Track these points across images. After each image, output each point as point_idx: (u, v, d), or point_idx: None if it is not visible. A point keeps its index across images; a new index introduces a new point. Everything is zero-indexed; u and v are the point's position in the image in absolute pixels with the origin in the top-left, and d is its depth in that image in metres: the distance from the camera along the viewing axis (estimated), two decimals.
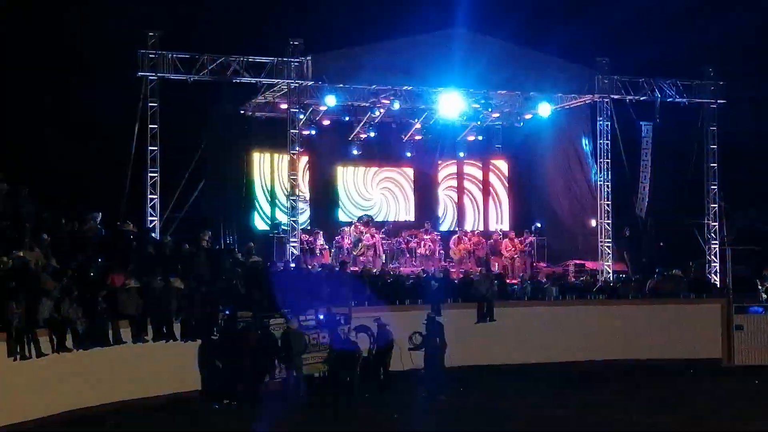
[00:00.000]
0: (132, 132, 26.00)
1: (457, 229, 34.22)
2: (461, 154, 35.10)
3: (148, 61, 25.97)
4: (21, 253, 19.85)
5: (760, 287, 28.00)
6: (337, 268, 25.61)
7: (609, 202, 30.18)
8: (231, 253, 24.54)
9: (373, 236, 30.69)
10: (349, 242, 30.47)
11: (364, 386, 21.06)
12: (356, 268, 28.10)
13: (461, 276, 27.50)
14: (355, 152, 32.70)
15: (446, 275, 27.09)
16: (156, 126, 26.25)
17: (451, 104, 29.72)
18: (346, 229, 31.00)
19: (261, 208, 31.63)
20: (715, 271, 30.42)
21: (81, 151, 30.59)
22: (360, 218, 31.73)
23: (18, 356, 18.13)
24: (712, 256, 30.61)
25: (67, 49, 31.43)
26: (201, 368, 21.27)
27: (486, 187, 36.01)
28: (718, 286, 29.42)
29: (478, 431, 18.47)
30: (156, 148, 26.31)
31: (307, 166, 32.15)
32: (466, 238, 32.22)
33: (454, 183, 35.90)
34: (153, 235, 25.36)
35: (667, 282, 28.00)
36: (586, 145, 31.65)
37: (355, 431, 18.66)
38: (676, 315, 26.89)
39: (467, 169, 35.98)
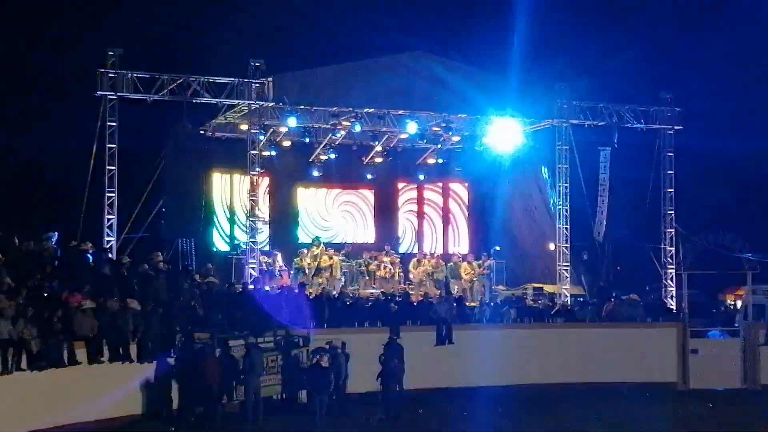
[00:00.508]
0: (90, 151, 25.77)
1: (417, 251, 34.28)
2: (421, 177, 35.15)
3: (108, 80, 25.77)
4: None
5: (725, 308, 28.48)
6: (296, 290, 25.51)
7: (567, 226, 30.38)
8: (188, 274, 24.35)
9: (330, 258, 30.60)
10: (309, 264, 30.37)
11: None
12: (316, 290, 28.00)
13: (420, 298, 27.51)
14: (315, 174, 32.64)
15: (405, 298, 27.10)
16: (114, 145, 26.03)
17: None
18: (305, 251, 30.90)
19: (220, 228, 31.46)
20: (672, 296, 30.69)
21: (38, 170, 30.33)
22: (313, 241, 31.56)
23: None
24: (669, 281, 30.90)
25: (27, 66, 31.22)
26: (158, 390, 21.09)
27: (446, 210, 36.10)
28: (674, 310, 29.67)
29: None
30: (114, 167, 26.08)
31: (267, 187, 32.02)
32: (426, 261, 32.25)
33: (414, 205, 35.95)
34: (110, 255, 25.11)
35: (624, 306, 28.20)
36: (544, 169, 31.86)
37: None
38: (632, 339, 27.12)
39: (427, 191, 36.05)
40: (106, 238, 25.91)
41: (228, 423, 20.74)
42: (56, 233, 23.29)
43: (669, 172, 31.12)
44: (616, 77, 36.92)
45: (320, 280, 29.80)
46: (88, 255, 23.06)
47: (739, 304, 31.92)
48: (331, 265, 30.27)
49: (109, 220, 26.07)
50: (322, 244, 31.06)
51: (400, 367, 22.28)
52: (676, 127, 30.97)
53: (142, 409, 20.99)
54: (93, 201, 25.82)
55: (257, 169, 28.07)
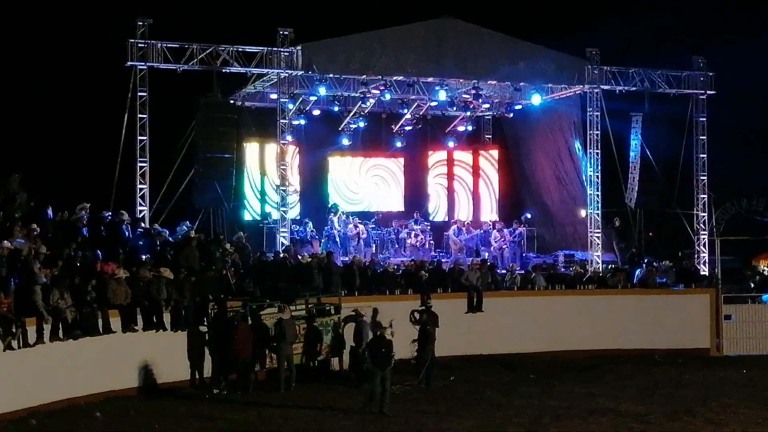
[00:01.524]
0: (121, 121, 25.91)
1: (448, 219, 34.29)
2: (451, 144, 35.09)
3: (138, 50, 25.83)
4: (10, 243, 19.81)
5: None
6: (325, 260, 25.58)
7: (598, 192, 30.22)
8: (220, 243, 24.51)
9: (356, 226, 30.64)
10: (341, 232, 30.44)
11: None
12: (346, 258, 28.11)
13: (451, 266, 27.53)
14: (345, 142, 32.69)
15: (437, 265, 27.13)
16: (145, 115, 26.15)
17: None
18: (332, 217, 30.94)
19: (252, 197, 31.56)
20: (704, 262, 30.50)
21: (71, 141, 30.55)
22: (330, 208, 31.59)
23: (5, 346, 18.06)
24: (701, 247, 30.70)
25: (58, 37, 31.36)
26: (191, 358, 21.32)
27: (476, 178, 36.01)
28: (707, 276, 29.48)
29: (469, 420, 18.47)
30: (145, 137, 26.21)
31: (297, 156, 32.08)
32: (465, 230, 32.25)
33: (444, 173, 35.89)
34: (143, 224, 25.31)
35: (656, 272, 28.07)
36: (575, 135, 31.66)
37: (344, 421, 18.60)
38: (664, 305, 27.00)
39: (457, 159, 35.97)
40: (139, 208, 26.10)
41: (261, 391, 20.90)
42: (89, 204, 23.51)
43: (702, 137, 30.86)
44: (648, 42, 36.57)
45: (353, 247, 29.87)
46: (122, 224, 23.27)
47: None
48: (358, 233, 30.33)
49: (141, 189, 26.24)
50: (340, 211, 31.13)
51: (434, 334, 22.32)
52: (708, 92, 30.65)
53: (175, 377, 21.21)
54: (125, 171, 25.99)
55: (287, 138, 28.12)
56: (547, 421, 18.35)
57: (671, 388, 21.87)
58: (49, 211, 22.27)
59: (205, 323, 21.65)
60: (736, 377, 23.47)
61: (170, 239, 24.04)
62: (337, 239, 30.14)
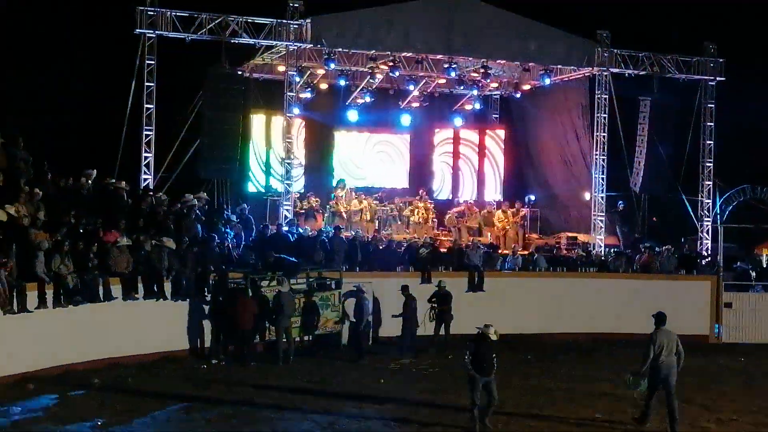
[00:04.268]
0: (129, 89, 25.87)
1: (451, 197, 34.24)
2: (458, 122, 34.98)
3: (147, 18, 25.78)
4: (13, 207, 19.83)
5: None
6: (331, 233, 25.61)
7: (604, 176, 30.16)
8: (223, 214, 24.54)
9: (360, 202, 30.64)
10: (346, 207, 30.43)
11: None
12: (349, 234, 28.10)
13: (451, 245, 27.54)
14: (351, 117, 32.57)
15: (437, 244, 27.13)
16: (153, 84, 26.14)
17: None
18: (340, 194, 30.94)
19: (256, 169, 31.51)
20: (707, 248, 30.47)
21: (78, 107, 30.50)
22: (337, 183, 31.59)
23: (5, 311, 18.12)
24: (704, 233, 30.67)
25: (67, 4, 31.23)
26: (190, 328, 21.39)
27: (481, 157, 35.92)
28: (709, 263, 29.43)
29: (465, 399, 18.50)
30: (152, 106, 26.20)
31: (303, 129, 32.01)
32: (468, 211, 32.23)
33: (450, 151, 35.80)
34: (149, 193, 25.27)
35: (658, 258, 28.06)
36: (583, 117, 31.55)
37: (344, 394, 18.67)
38: (665, 291, 26.96)
39: (463, 137, 35.87)
40: (143, 176, 26.12)
41: (259, 363, 20.97)
42: (94, 171, 23.50)
43: (709, 123, 30.75)
44: (659, 26, 36.37)
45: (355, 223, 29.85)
46: (125, 193, 23.27)
47: None
48: (361, 210, 30.32)
49: (146, 158, 26.25)
50: (346, 187, 31.09)
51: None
52: (718, 78, 30.52)
53: (175, 346, 21.29)
54: (130, 139, 25.97)
55: (294, 111, 28.07)
56: (544, 402, 18.38)
57: None
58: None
59: (206, 294, 21.70)
60: (734, 365, 23.48)
61: (176, 210, 24.02)
62: (343, 214, 30.12)
